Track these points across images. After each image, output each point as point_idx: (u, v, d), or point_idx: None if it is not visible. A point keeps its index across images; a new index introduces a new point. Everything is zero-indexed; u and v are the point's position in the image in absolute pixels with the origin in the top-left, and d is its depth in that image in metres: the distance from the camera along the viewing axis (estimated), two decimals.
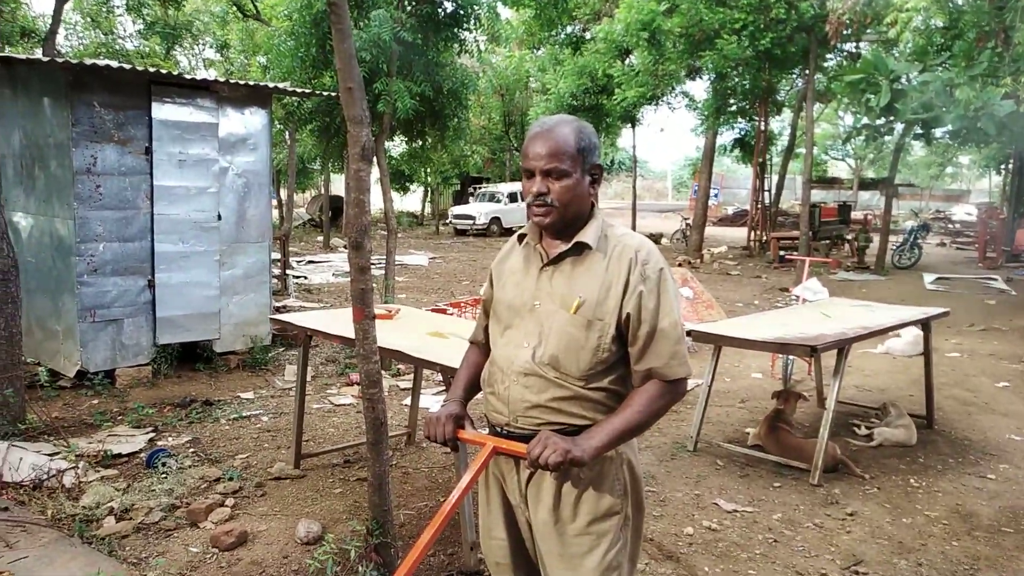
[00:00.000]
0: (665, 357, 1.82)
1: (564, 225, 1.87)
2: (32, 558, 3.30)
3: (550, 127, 1.84)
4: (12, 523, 3.63)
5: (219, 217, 6.63)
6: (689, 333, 5.12)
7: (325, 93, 7.71)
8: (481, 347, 2.15)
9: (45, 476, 4.11)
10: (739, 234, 23.32)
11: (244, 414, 5.51)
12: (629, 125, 22.12)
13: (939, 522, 3.96)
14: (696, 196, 21.10)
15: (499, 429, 1.93)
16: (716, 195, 32.21)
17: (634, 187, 23.31)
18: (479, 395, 2.09)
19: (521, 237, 2.00)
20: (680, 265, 12.81)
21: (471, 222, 24.48)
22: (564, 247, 1.87)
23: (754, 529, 3.84)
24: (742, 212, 29.11)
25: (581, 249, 1.86)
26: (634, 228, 21.78)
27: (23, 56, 6.37)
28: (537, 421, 1.86)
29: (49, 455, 4.43)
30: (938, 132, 12.84)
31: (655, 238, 22.31)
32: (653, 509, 4.04)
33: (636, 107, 18.45)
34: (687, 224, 20.98)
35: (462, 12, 8.12)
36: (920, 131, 12.14)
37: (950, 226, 25.81)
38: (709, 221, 22.01)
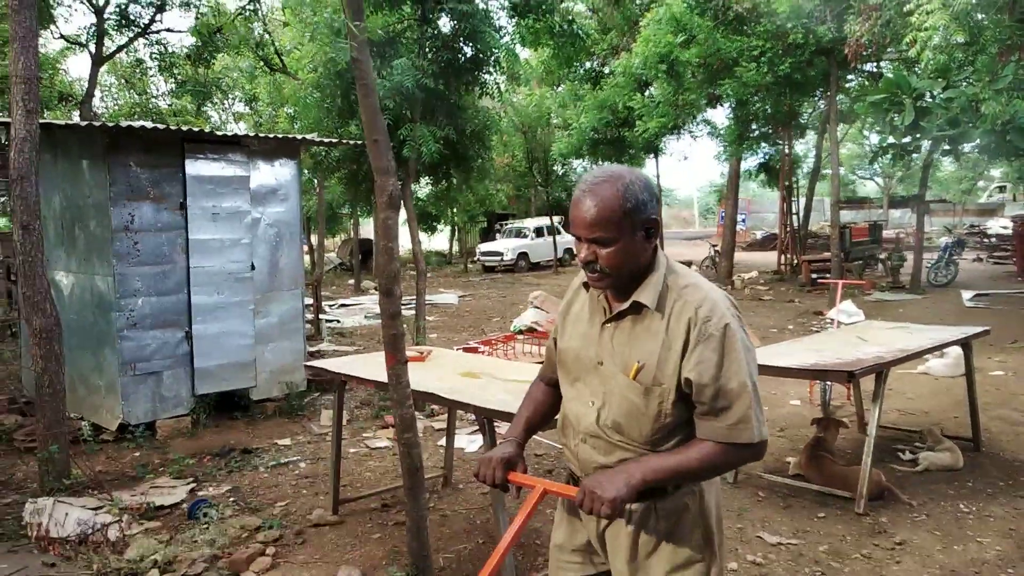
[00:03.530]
0: (729, 419, 1.70)
1: (622, 285, 1.78)
2: None
3: (594, 187, 1.71)
4: None
5: (252, 267, 6.77)
6: None
7: (351, 142, 7.89)
8: (547, 383, 2.10)
9: (90, 531, 4.18)
10: (769, 258, 23.09)
11: (282, 461, 5.57)
12: (652, 155, 22.18)
13: (992, 548, 3.84)
14: (723, 222, 20.99)
15: (576, 477, 1.93)
16: (743, 220, 32.01)
17: (660, 216, 23.27)
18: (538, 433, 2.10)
19: (586, 283, 1.90)
20: None
21: (499, 258, 24.59)
22: (623, 305, 1.79)
23: (800, 562, 3.76)
24: (771, 236, 28.85)
25: (640, 308, 1.77)
26: None
27: (62, 122, 6.64)
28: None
29: (93, 509, 4.50)
30: (966, 147, 12.68)
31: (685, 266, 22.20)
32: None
33: (658, 137, 18.50)
34: (716, 251, 20.84)
35: (482, 56, 8.29)
36: (947, 147, 12.01)
37: (986, 240, 25.26)
38: (738, 246, 21.86)
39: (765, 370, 4.76)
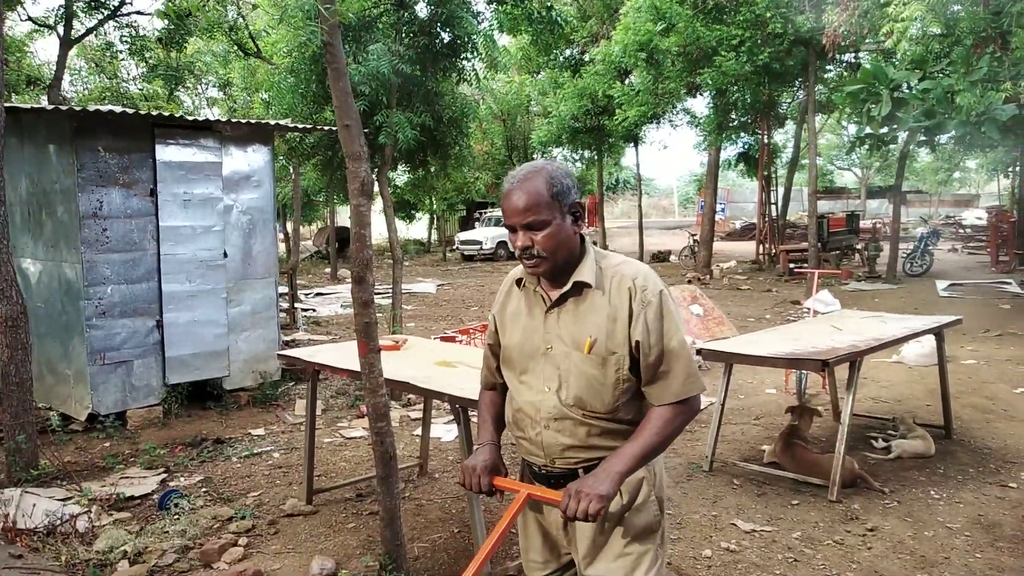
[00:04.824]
0: (677, 377, 1.85)
1: (558, 270, 1.89)
2: None
3: (521, 180, 1.86)
4: (26, 571, 3.62)
5: (225, 255, 6.67)
6: (699, 351, 5.09)
7: (326, 128, 7.78)
8: (495, 388, 2.16)
9: (58, 522, 4.10)
10: (748, 248, 23.26)
11: (255, 451, 5.50)
12: (632, 144, 22.22)
13: (961, 534, 3.89)
14: (703, 212, 21.08)
15: (537, 469, 1.97)
16: (723, 210, 32.19)
17: (640, 205, 23.34)
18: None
19: (518, 281, 2.01)
20: (689, 282, 12.77)
21: (478, 247, 24.55)
22: (564, 288, 1.90)
23: (773, 549, 3.78)
24: (750, 226, 29.06)
25: (581, 288, 1.89)
26: (641, 246, 21.78)
27: (28, 106, 6.47)
28: (575, 460, 1.91)
29: (62, 500, 4.42)
30: (942, 139, 12.80)
31: (663, 256, 22.29)
32: (671, 532, 3.99)
33: (638, 126, 18.52)
34: (695, 240, 20.95)
35: (459, 42, 8.19)
36: (923, 138, 12.11)
37: (961, 231, 25.63)
38: (717, 236, 21.96)
39: (741, 359, 4.79)
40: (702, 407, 6.21)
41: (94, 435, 5.86)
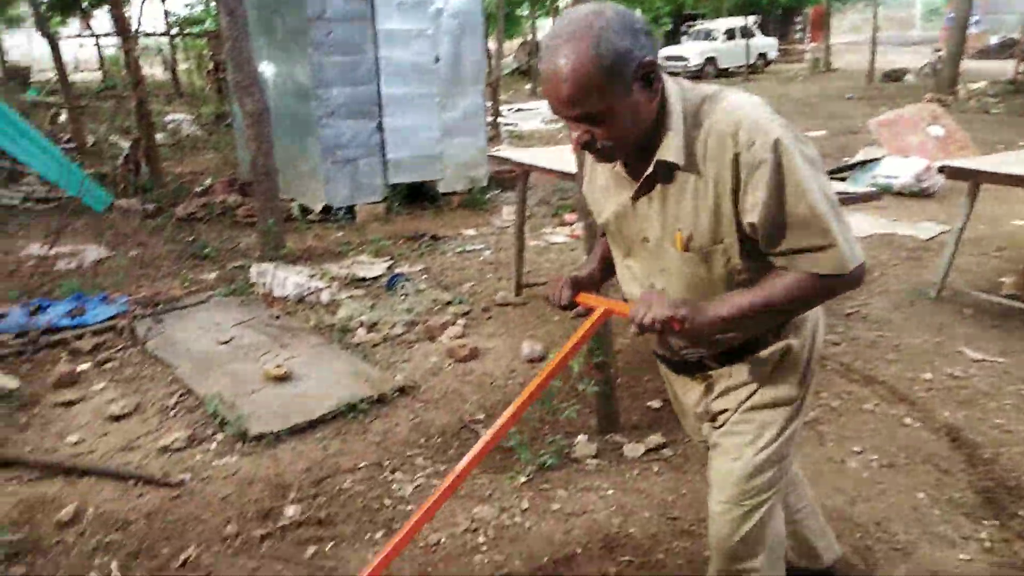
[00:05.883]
0: (813, 254, 1.43)
1: (634, 151, 1.49)
2: (302, 358, 3.85)
3: (559, 59, 1.35)
4: (283, 329, 4.25)
5: (436, 60, 6.78)
6: (941, 170, 4.57)
7: None
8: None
9: (306, 292, 4.71)
10: (1004, 68, 19.86)
11: (468, 248, 5.87)
12: None
13: None
14: (951, 24, 18.06)
15: (668, 356, 1.75)
16: (977, 22, 27.35)
17: (874, 17, 20.43)
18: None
19: None
20: (929, 102, 11.26)
21: (683, 63, 22.97)
22: (647, 172, 1.49)
23: (1005, 380, 3.50)
24: (1009, 42, 24.59)
25: (667, 168, 1.48)
26: (872, 66, 19.30)
27: None
28: (701, 350, 1.67)
29: (308, 275, 5.05)
30: None
31: (897, 75, 19.68)
32: (886, 354, 3.81)
33: None
34: (939, 56, 18.18)
35: None
36: None
37: None
38: (967, 53, 18.86)
39: (990, 178, 4.23)
40: (935, 234, 5.69)
41: (328, 225, 6.53)
